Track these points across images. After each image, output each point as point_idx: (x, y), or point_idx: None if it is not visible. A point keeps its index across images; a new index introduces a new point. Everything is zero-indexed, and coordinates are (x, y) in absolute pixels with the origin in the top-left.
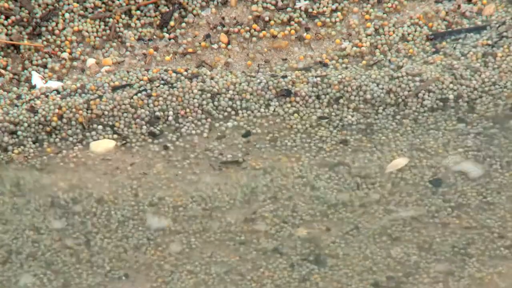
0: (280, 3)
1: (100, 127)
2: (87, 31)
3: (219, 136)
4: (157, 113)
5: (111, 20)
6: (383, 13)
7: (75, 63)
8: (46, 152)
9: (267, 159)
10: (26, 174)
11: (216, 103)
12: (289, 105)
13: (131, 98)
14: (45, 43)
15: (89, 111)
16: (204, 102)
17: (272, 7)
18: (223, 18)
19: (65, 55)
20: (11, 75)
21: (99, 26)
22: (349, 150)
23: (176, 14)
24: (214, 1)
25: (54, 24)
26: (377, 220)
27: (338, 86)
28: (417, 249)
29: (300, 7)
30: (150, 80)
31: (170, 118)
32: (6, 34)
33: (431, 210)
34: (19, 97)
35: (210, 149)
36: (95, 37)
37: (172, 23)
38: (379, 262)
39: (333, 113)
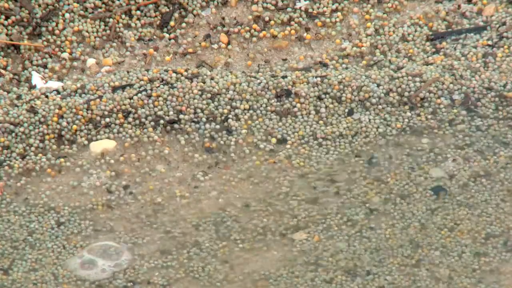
0: (280, 3)
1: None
2: (87, 31)
3: None
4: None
5: (111, 20)
6: (383, 13)
7: (75, 63)
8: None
9: None
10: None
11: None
12: None
13: (131, 98)
14: (45, 43)
15: (89, 111)
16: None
17: (272, 7)
18: (223, 18)
19: (65, 55)
20: (11, 75)
21: (99, 26)
22: None
23: (176, 14)
24: (214, 1)
25: (54, 24)
26: None
27: (338, 86)
28: None
29: (300, 7)
30: (150, 80)
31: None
32: (6, 34)
33: None
34: (19, 97)
35: None
36: (95, 37)
37: (172, 23)
38: None
39: None
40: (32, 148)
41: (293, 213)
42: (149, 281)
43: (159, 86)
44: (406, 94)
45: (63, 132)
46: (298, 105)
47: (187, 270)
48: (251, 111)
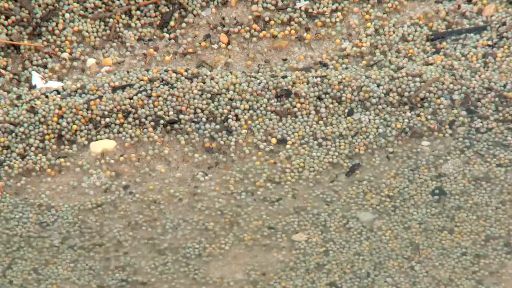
0: (280, 3)
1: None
2: (87, 31)
3: None
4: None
5: (111, 20)
6: (383, 13)
7: (75, 63)
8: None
9: None
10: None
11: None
12: None
13: (131, 98)
14: (45, 43)
15: (89, 111)
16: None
17: (272, 7)
18: (223, 18)
19: (65, 55)
20: (11, 75)
21: (99, 26)
22: None
23: (176, 14)
24: (214, 1)
25: (54, 24)
26: None
27: (338, 86)
28: None
29: (300, 7)
30: (150, 80)
31: None
32: (6, 34)
33: None
34: (19, 97)
35: None
36: (95, 37)
37: (172, 23)
38: None
39: None
40: (32, 148)
41: (294, 213)
42: (144, 282)
43: (159, 86)
44: (406, 94)
45: (63, 132)
46: (298, 105)
47: (184, 269)
48: (251, 111)
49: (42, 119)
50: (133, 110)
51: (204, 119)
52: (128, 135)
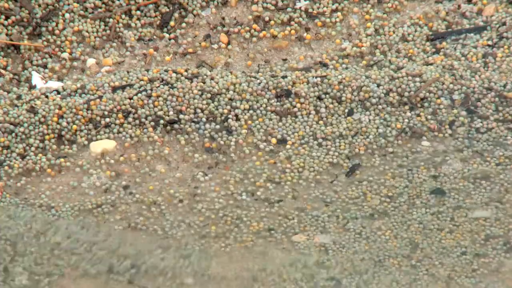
0: (280, 3)
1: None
2: (87, 31)
3: None
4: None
5: (111, 20)
6: (383, 13)
7: (75, 63)
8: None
9: None
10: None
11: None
12: None
13: (131, 98)
14: (45, 43)
15: (89, 111)
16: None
17: (272, 7)
18: (223, 18)
19: (65, 55)
20: (11, 75)
21: (99, 26)
22: None
23: (176, 14)
24: (214, 1)
25: (54, 24)
26: None
27: (338, 86)
28: None
29: (300, 7)
30: (150, 80)
31: None
32: (6, 34)
33: None
34: (19, 97)
35: None
36: (95, 37)
37: (172, 23)
38: None
39: None
40: (32, 148)
41: (294, 214)
42: (143, 284)
43: (159, 86)
44: (406, 94)
45: (63, 132)
46: (298, 105)
47: (186, 268)
48: (251, 111)
49: (42, 119)
50: (133, 110)
51: (204, 119)
52: (128, 135)
